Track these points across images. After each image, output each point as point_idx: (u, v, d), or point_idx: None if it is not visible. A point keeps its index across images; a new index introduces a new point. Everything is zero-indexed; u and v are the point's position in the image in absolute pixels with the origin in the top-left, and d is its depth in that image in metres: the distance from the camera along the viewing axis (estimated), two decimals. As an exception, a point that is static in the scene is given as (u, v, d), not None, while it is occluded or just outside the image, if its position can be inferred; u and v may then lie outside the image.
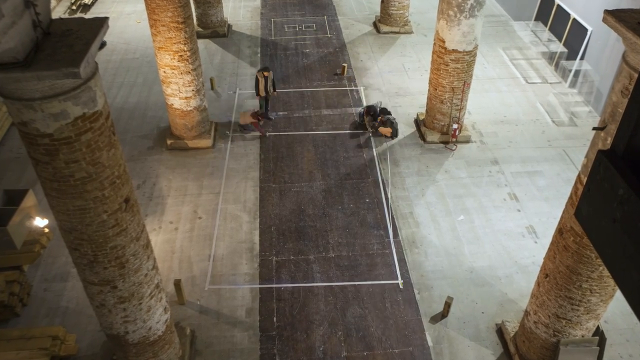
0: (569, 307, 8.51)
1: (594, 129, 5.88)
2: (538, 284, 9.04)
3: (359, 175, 14.48)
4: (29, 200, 12.25)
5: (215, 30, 21.40)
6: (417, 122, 16.34)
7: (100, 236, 6.92)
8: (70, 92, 5.76)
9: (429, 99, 15.47)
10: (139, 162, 14.98)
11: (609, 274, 7.81)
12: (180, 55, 13.86)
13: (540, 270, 8.97)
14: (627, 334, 10.56)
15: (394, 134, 15.46)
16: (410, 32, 21.69)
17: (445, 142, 15.55)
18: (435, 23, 14.58)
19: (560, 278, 8.32)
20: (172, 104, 14.77)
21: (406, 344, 10.39)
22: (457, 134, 15.29)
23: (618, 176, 3.32)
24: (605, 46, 16.41)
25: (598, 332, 9.45)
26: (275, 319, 10.92)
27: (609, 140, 6.76)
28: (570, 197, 7.81)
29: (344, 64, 19.01)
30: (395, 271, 11.86)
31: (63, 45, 5.68)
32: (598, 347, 9.24)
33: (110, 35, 21.29)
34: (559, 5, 18.93)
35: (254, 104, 17.47)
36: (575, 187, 7.67)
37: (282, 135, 16.02)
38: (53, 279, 11.69)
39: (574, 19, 17.95)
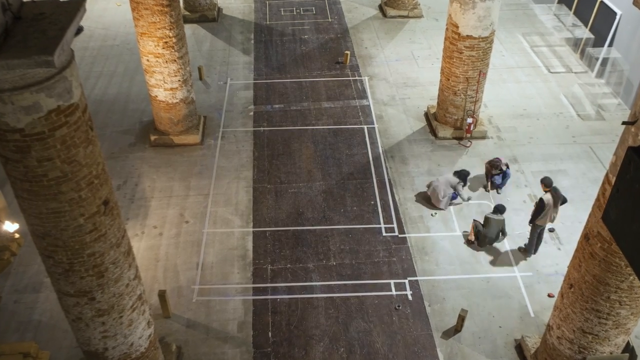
0: (596, 320, 8.51)
1: (623, 123, 5.90)
2: (562, 295, 9.04)
3: (363, 175, 14.49)
4: (-2, 202, 12.24)
5: (204, 14, 21.40)
6: (428, 116, 16.36)
7: (77, 242, 6.91)
8: (43, 82, 5.76)
9: (441, 90, 15.48)
10: (120, 160, 14.99)
11: (640, 284, 7.82)
12: (165, 42, 13.87)
13: (564, 280, 8.98)
14: (661, 350, 10.56)
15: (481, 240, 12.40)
16: (420, 16, 21.70)
17: (459, 138, 15.56)
18: (447, 6, 14.58)
19: (586, 289, 8.33)
20: (156, 96, 14.77)
21: (415, 361, 10.40)
22: (471, 129, 15.30)
23: (650, 176, 3.32)
24: (635, 32, 16.41)
25: (628, 349, 9.45)
26: (270, 333, 10.92)
27: (640, 136, 6.76)
28: (597, 199, 7.81)
29: (346, 52, 19.02)
30: (404, 281, 11.87)
31: (35, 30, 5.68)
32: (628, 365, 9.26)
33: (87, 20, 21.28)
34: (584, -13, 18.96)
35: (246, 95, 17.49)
36: (602, 188, 7.67)
37: (278, 131, 16.03)
38: (24, 290, 11.69)
39: (602, 2, 17.95)
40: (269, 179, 14.42)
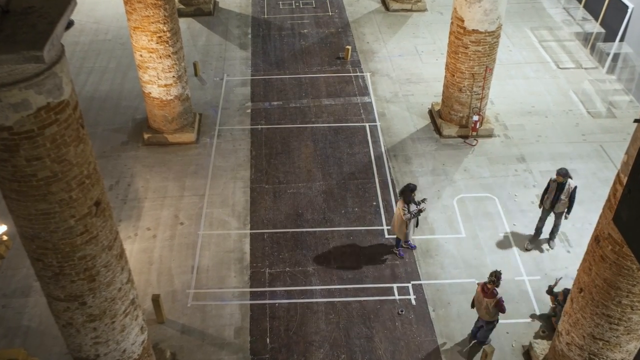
0: (607, 326, 8.51)
1: (635, 121, 5.90)
2: (571, 299, 9.05)
3: (364, 175, 14.50)
4: (-15, 203, 12.24)
5: (200, 8, 21.41)
6: (432, 114, 16.36)
7: (67, 245, 6.91)
8: (32, 78, 5.76)
9: (446, 86, 15.48)
10: (112, 159, 14.99)
11: (652, 288, 7.82)
12: (159, 37, 13.87)
13: (574, 284, 8.98)
14: (674, 357, 10.57)
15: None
16: (424, 10, 21.71)
17: (465, 137, 15.57)
18: (452, -1, 14.60)
19: (596, 293, 8.33)
20: (150, 93, 14.78)
21: (419, 368, 10.42)
22: (477, 127, 15.30)
23: (663, 175, 3.32)
24: (648, 26, 16.43)
25: (640, 356, 9.45)
26: (268, 339, 10.93)
27: (653, 134, 6.77)
28: (608, 200, 7.82)
29: (347, 47, 19.02)
30: (407, 285, 11.87)
31: (24, 24, 5.68)
32: (640, 373, 9.26)
33: (78, 14, 21.29)
34: (595, -21, 18.97)
35: (243, 92, 17.49)
36: (613, 189, 7.68)
37: (276, 129, 16.04)
38: (13, 294, 11.69)
39: (613, -5, 17.97)
40: (267, 179, 14.42)
